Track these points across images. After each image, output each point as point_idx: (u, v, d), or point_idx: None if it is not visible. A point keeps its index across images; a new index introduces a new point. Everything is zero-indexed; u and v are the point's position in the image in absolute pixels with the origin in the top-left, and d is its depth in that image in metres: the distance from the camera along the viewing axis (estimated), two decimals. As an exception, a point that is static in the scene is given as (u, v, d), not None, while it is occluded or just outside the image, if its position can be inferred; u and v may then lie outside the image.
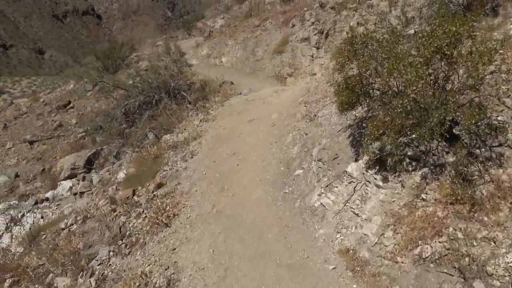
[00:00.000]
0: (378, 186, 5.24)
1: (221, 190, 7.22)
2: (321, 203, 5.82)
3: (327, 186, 5.94)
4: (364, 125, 5.79)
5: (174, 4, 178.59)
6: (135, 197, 7.96)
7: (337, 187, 5.79)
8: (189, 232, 6.41)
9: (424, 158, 5.12)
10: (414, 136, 4.99)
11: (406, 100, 4.39)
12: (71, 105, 16.56)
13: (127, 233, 6.82)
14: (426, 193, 4.86)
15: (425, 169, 5.04)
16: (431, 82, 4.77)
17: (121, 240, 6.81)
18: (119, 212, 7.51)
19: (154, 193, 7.67)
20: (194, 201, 7.12)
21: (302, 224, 5.72)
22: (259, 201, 6.54)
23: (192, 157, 8.59)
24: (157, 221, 6.58)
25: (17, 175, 12.76)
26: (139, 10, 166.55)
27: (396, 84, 5.04)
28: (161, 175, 8.35)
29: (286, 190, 6.66)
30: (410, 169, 5.15)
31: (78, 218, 8.39)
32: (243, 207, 6.53)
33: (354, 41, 5.64)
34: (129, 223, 7.04)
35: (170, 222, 6.64)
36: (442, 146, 5.04)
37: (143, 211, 7.20)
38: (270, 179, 7.11)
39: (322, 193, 5.97)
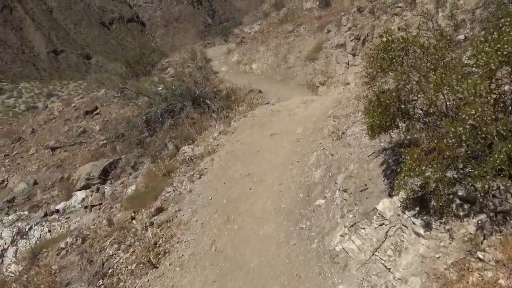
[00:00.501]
0: (417, 234, 3.99)
1: (225, 222, 6.14)
2: (344, 248, 4.61)
3: (352, 225, 4.73)
4: (401, 151, 4.54)
5: (214, 12, 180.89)
6: (134, 222, 7.07)
7: (364, 228, 4.57)
8: (177, 278, 5.35)
9: (481, 200, 3.83)
10: (468, 170, 3.73)
11: (461, 128, 3.15)
12: (97, 111, 16.19)
13: (109, 272, 5.89)
14: (484, 251, 3.58)
15: (482, 216, 3.75)
16: (493, 101, 3.50)
17: (102, 279, 5.88)
18: (113, 238, 6.63)
19: (151, 219, 6.73)
20: (191, 235, 6.05)
21: (319, 275, 4.53)
22: (268, 238, 5.40)
23: (200, 177, 7.57)
24: (144, 260, 5.58)
25: (35, 182, 12.37)
26: (181, 17, 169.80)
27: (446, 103, 3.79)
28: (163, 197, 7.38)
29: (302, 225, 5.48)
30: (462, 214, 3.87)
31: (78, 239, 7.62)
32: (248, 246, 5.42)
33: (390, 47, 4.43)
34: (115, 258, 6.11)
35: (158, 262, 5.62)
36: (506, 186, 3.73)
37: (134, 242, 6.24)
38: (286, 208, 5.97)
39: (345, 234, 4.76)
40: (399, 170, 4.02)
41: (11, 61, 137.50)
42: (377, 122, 4.08)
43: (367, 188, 4.95)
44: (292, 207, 5.94)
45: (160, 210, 6.98)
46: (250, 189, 6.75)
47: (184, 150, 10.29)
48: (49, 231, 9.47)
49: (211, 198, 6.88)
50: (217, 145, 8.94)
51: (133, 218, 7.22)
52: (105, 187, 10.80)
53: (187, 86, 12.63)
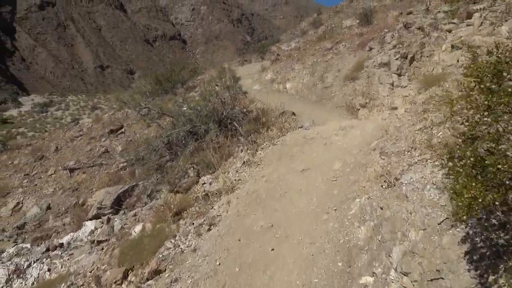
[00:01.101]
0: None
1: (233, 308, 4.56)
2: None
3: None
4: (502, 232, 2.85)
5: (253, 30, 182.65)
6: (124, 285, 5.64)
7: None
8: None
9: None
10: None
11: None
12: (122, 129, 15.22)
13: None
14: None
15: None
16: None
17: None
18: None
19: (143, 285, 5.28)
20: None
21: None
22: None
23: (209, 229, 6.02)
24: None
25: (49, 207, 11.39)
26: (221, 35, 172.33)
27: None
28: (161, 255, 5.87)
29: (342, 319, 3.85)
30: None
31: (68, 290, 6.33)
32: None
33: (484, 71, 2.77)
34: None
35: None
36: None
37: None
38: (319, 285, 4.34)
39: None
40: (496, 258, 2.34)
41: (62, 75, 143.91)
42: (480, 193, 2.43)
43: (441, 278, 3.26)
44: (327, 283, 4.30)
45: (156, 272, 5.49)
46: (272, 249, 5.11)
47: (203, 180, 8.88)
48: (49, 269, 8.27)
49: (219, 264, 5.23)
50: (238, 180, 7.44)
51: (125, 277, 5.82)
52: (116, 219, 9.51)
53: (213, 106, 11.30)
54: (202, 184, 8.68)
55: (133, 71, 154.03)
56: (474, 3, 16.58)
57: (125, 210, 9.95)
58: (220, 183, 7.50)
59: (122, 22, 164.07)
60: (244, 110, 13.86)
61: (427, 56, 14.30)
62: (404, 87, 12.34)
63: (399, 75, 14.45)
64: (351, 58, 16.59)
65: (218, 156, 10.88)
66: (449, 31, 14.37)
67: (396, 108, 9.68)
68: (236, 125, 11.69)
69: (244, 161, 8.43)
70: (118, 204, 10.14)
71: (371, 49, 16.57)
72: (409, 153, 5.58)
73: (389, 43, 15.71)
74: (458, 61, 11.71)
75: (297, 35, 54.47)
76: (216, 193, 7.21)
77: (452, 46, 12.97)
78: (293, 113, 12.85)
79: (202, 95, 11.89)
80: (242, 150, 10.69)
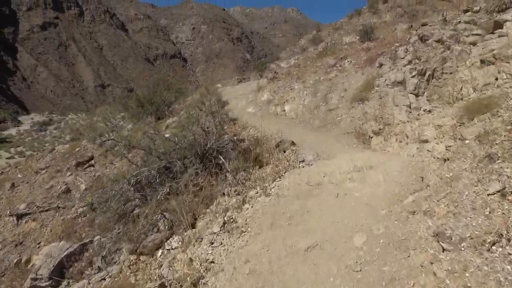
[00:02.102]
0: None
1: None
2: None
3: None
4: None
5: (253, 48, 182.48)
6: None
7: None
8: None
9: None
10: None
11: None
12: (92, 161, 12.71)
13: None
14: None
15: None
16: None
17: None
18: None
19: None
20: None
21: None
22: None
23: None
24: None
25: (-17, 267, 8.90)
26: (221, 54, 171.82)
27: None
28: None
29: None
30: None
31: None
32: None
33: None
34: None
35: None
36: None
37: None
38: None
39: None
40: None
41: (62, 94, 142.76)
42: None
43: None
44: None
45: None
46: None
47: (171, 244, 6.44)
48: None
49: None
50: (210, 262, 4.88)
51: None
52: (55, 295, 7.03)
53: (194, 137, 8.90)
54: (167, 250, 6.22)
55: (133, 89, 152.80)
56: (498, 12, 14.30)
57: (69, 281, 7.36)
58: (183, 266, 5.01)
59: (123, 41, 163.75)
60: (235, 138, 11.50)
61: (450, 73, 11.99)
62: (428, 111, 9.93)
63: (417, 95, 12.12)
64: (359, 76, 14.29)
65: (198, 201, 8.48)
66: (473, 43, 12.07)
67: (426, 141, 7.28)
68: (223, 159, 9.30)
69: (221, 225, 5.95)
70: (60, 273, 7.54)
71: (381, 65, 14.28)
72: (498, 247, 3.13)
73: (402, 58, 13.42)
74: (496, 79, 9.34)
75: (297, 52, 52.68)
76: (177, 281, 4.75)
77: (482, 61, 10.65)
78: (293, 143, 10.44)
79: (179, 124, 9.49)
80: (228, 194, 8.30)
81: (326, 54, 21.45)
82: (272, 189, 6.94)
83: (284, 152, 10.30)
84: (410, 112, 11.30)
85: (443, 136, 6.69)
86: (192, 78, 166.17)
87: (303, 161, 9.29)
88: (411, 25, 18.30)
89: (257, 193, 7.00)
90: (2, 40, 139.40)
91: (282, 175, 7.82)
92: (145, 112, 15.38)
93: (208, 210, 8.04)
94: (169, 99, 16.28)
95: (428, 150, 6.71)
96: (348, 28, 42.58)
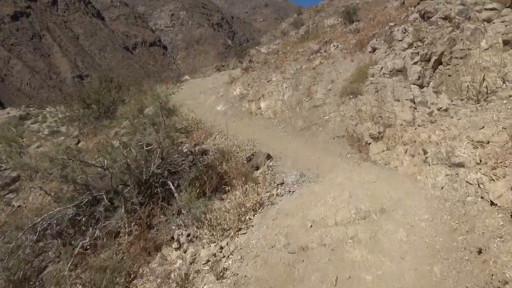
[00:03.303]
0: None
1: None
2: None
3: None
4: None
5: (234, 33, 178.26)
6: None
7: None
8: None
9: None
10: None
11: None
12: (16, 184, 9.82)
13: None
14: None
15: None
16: None
17: None
18: None
19: None
20: None
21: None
22: None
23: None
24: None
25: None
26: (202, 40, 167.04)
27: None
28: None
29: None
30: None
31: None
32: None
33: None
34: None
35: None
36: None
37: None
38: None
39: None
40: None
41: (39, 86, 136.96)
42: None
43: None
44: None
45: None
46: None
47: None
48: None
49: None
50: None
51: None
52: None
53: (128, 160, 6.31)
54: None
55: (113, 79, 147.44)
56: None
57: None
58: None
59: (100, 30, 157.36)
60: (196, 149, 8.94)
61: (460, 58, 9.61)
62: (444, 110, 7.50)
63: (421, 86, 9.74)
64: (348, 63, 11.81)
65: (135, 253, 6.02)
66: (488, 20, 9.70)
67: (462, 166, 4.86)
68: (172, 186, 6.78)
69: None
70: None
71: (374, 50, 11.80)
72: None
73: (400, 40, 10.96)
74: (537, 66, 7.00)
75: (278, 36, 49.94)
76: None
77: (506, 42, 8.35)
78: (269, 156, 7.96)
79: (102, 147, 6.80)
80: (177, 240, 5.86)
81: (308, 38, 18.87)
82: (230, 260, 4.45)
83: (258, 169, 7.81)
84: (415, 109, 8.92)
85: (496, 162, 4.27)
86: (173, 66, 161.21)
87: (282, 183, 6.85)
88: (403, 2, 15.77)
89: (206, 262, 4.51)
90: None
91: (250, 221, 5.33)
92: (92, 114, 12.67)
93: (147, 269, 5.55)
94: (121, 97, 13.54)
95: (468, 183, 4.32)
96: (330, 10, 39.94)
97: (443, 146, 5.35)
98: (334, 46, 13.33)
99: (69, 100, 14.16)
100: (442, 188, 4.69)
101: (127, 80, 15.57)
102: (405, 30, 11.01)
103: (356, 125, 9.38)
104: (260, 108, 11.52)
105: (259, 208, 5.52)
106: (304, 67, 12.63)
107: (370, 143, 8.38)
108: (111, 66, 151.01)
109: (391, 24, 12.31)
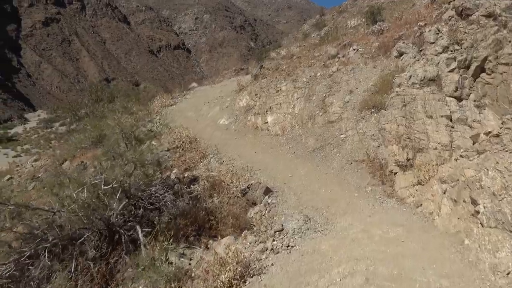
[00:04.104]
0: None
1: None
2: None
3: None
4: None
5: (257, 35, 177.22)
6: None
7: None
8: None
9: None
10: None
11: None
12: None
13: None
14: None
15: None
16: None
17: None
18: None
19: None
20: None
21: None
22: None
23: None
24: None
25: None
26: (224, 43, 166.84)
27: None
28: None
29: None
30: None
31: None
32: None
33: None
34: None
35: None
36: None
37: None
38: None
39: None
40: None
41: (68, 90, 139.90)
42: None
43: None
44: None
45: None
46: None
47: None
48: None
49: None
50: None
51: None
52: None
53: (79, 204, 4.89)
54: None
55: (138, 82, 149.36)
56: None
57: None
58: None
59: (126, 34, 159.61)
60: (185, 176, 7.45)
61: (509, 65, 7.78)
62: (495, 135, 5.70)
63: (459, 99, 7.95)
64: (369, 70, 10.07)
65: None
66: (543, 17, 7.79)
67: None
68: (140, 234, 5.31)
69: None
70: None
71: (401, 54, 10.00)
72: None
73: (432, 43, 9.14)
74: None
75: (299, 38, 48.12)
76: None
77: None
78: (267, 190, 6.38)
79: (49, 184, 5.41)
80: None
81: (327, 40, 17.11)
82: None
83: (254, 204, 6.24)
84: (453, 128, 7.12)
85: None
86: (197, 68, 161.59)
87: (280, 230, 5.26)
88: (434, -1, 13.78)
89: None
90: (6, 38, 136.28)
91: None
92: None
93: None
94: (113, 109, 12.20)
95: None
96: (353, 11, 37.80)
97: (505, 202, 3.64)
98: (354, 50, 11.59)
99: (59, 111, 12.59)
100: (508, 275, 3.02)
101: (129, 89, 14.23)
102: (438, 31, 9.18)
103: (378, 147, 7.66)
104: (266, 122, 9.94)
105: (238, 285, 3.96)
106: (319, 74, 10.97)
107: (396, 173, 6.66)
108: (137, 70, 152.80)
109: (421, 23, 10.48)
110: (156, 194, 6.18)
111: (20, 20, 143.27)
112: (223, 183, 6.60)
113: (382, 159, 7.23)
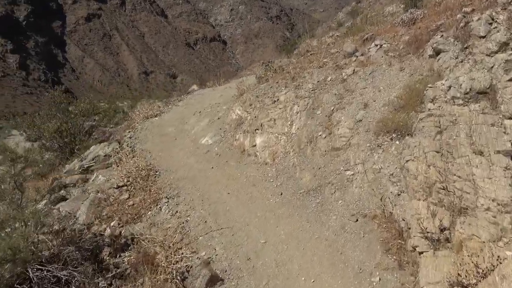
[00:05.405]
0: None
1: None
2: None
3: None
4: None
5: (293, 25, 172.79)
6: None
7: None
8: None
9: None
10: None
11: None
12: None
13: None
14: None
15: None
16: None
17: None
18: None
19: None
20: None
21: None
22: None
23: None
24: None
25: None
26: (260, 33, 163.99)
27: None
28: None
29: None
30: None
31: None
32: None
33: None
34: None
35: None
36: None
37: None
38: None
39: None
40: None
41: (109, 83, 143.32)
42: None
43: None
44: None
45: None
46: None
47: None
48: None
49: None
50: None
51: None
52: None
53: None
54: None
55: (175, 75, 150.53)
56: None
57: None
58: None
59: (164, 27, 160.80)
60: (120, 234, 5.34)
61: None
62: None
63: (527, 123, 5.23)
64: (394, 74, 7.42)
65: None
66: None
67: None
68: None
69: None
70: None
71: (437, 52, 7.23)
72: None
73: (483, 37, 6.31)
74: None
75: (333, 28, 44.67)
76: None
77: None
78: (214, 279, 4.09)
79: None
80: None
81: (351, 33, 14.31)
82: None
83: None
84: (515, 174, 4.47)
85: None
86: (232, 60, 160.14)
87: None
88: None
89: None
90: (52, 34, 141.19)
91: None
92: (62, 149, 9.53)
93: None
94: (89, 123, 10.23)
95: None
96: (392, -4, 34.14)
97: None
98: (377, 45, 8.89)
99: (33, 122, 10.78)
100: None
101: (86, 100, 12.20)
102: (492, 19, 6.37)
103: (399, 194, 5.13)
104: (255, 145, 7.58)
105: None
106: (329, 78, 8.43)
107: (422, 253, 4.14)
108: (174, 62, 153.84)
109: (467, 9, 7.63)
110: (59, 274, 4.10)
111: (65, 17, 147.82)
112: (157, 257, 4.42)
113: (403, 219, 4.72)
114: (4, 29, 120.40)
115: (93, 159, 7.91)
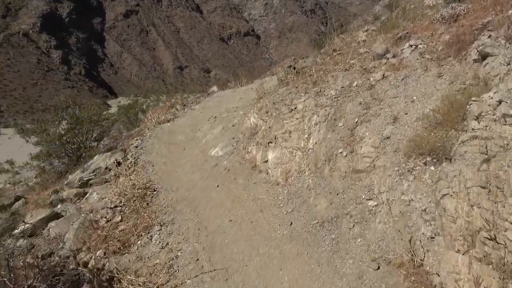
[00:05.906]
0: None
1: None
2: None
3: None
4: None
5: (328, 19, 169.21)
6: None
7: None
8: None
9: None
10: None
11: None
12: None
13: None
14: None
15: None
16: None
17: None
18: None
19: None
20: None
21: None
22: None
23: None
24: None
25: None
26: (294, 28, 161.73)
27: None
28: None
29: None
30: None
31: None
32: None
33: None
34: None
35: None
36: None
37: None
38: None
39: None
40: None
41: (145, 77, 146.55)
42: None
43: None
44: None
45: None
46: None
47: None
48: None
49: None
50: None
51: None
52: None
53: None
54: None
55: (209, 69, 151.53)
56: None
57: None
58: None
59: (199, 23, 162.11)
60: (103, 267, 4.70)
61: None
62: None
63: None
64: (430, 81, 6.31)
65: None
66: None
67: None
68: None
69: None
70: None
71: (484, 56, 6.02)
72: None
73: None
74: None
75: (369, 21, 42.66)
76: None
77: None
78: None
79: None
80: None
81: (384, 30, 13.04)
82: None
83: None
84: None
85: None
86: (266, 55, 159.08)
87: None
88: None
89: None
90: (92, 31, 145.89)
91: None
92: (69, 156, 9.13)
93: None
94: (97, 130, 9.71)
95: None
96: (432, -13, 31.87)
97: None
98: (411, 46, 7.74)
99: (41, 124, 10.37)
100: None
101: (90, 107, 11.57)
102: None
103: (432, 238, 4.13)
104: (266, 161, 6.72)
105: None
106: (355, 84, 7.43)
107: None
108: (208, 57, 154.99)
109: (525, 2, 6.35)
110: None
111: (104, 13, 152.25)
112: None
113: (436, 273, 3.73)
114: (48, 26, 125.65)
115: (93, 171, 7.39)
